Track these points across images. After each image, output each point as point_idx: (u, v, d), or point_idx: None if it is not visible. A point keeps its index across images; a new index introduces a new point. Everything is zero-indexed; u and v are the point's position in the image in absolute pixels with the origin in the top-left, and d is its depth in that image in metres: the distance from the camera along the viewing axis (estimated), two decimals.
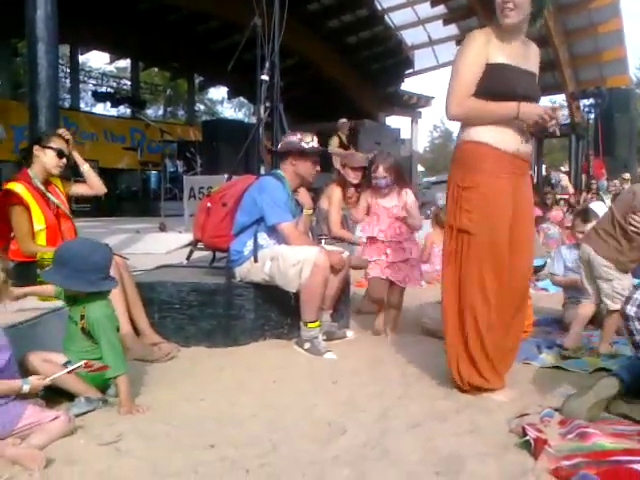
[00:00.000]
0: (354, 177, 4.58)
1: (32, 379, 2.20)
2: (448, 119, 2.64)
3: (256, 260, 3.43)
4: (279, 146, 3.79)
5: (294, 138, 3.64)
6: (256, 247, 3.46)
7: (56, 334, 2.68)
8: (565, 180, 13.99)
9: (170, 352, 3.20)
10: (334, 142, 10.14)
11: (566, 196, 12.42)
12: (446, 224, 2.70)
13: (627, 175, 12.32)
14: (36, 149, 3.37)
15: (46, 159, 3.37)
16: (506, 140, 2.54)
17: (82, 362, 2.37)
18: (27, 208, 3.25)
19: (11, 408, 2.12)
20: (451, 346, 2.64)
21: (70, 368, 2.35)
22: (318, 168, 3.68)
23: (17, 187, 3.27)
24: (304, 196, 3.70)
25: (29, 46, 4.35)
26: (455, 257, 2.62)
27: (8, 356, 2.21)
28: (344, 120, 10.65)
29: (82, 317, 2.49)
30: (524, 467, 1.93)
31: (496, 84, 2.52)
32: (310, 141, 3.59)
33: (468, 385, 2.60)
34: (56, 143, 3.43)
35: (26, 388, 2.17)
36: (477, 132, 2.56)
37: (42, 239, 3.29)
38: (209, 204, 3.78)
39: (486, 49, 2.54)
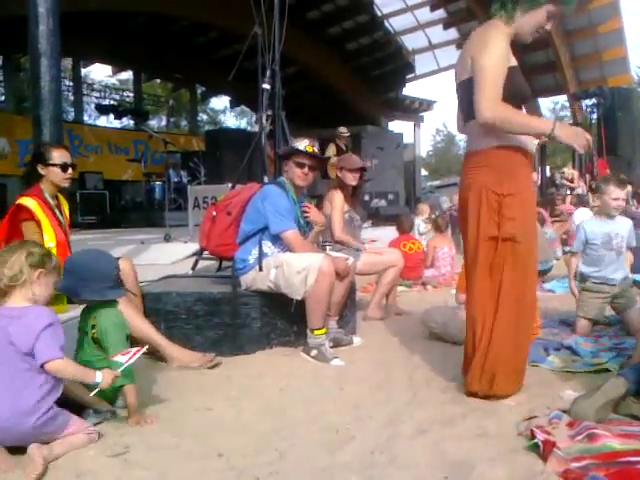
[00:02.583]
0: (352, 179, 4.56)
1: (105, 371, 2.23)
2: (480, 122, 2.46)
3: (261, 269, 3.44)
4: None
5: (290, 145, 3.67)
6: (261, 255, 3.47)
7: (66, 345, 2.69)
8: (569, 170, 13.95)
9: (212, 360, 3.19)
10: (331, 150, 10.14)
11: (570, 184, 12.44)
12: (482, 235, 2.56)
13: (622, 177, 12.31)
14: (40, 168, 3.35)
15: (52, 176, 3.36)
16: (532, 142, 2.56)
17: (146, 347, 2.44)
18: (38, 224, 3.25)
19: (59, 413, 2.14)
20: (486, 354, 2.55)
21: (138, 350, 2.39)
22: (305, 170, 3.55)
23: (29, 202, 3.25)
24: (315, 215, 3.68)
25: (32, 61, 4.38)
26: (497, 268, 2.54)
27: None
28: (344, 129, 10.65)
29: (93, 327, 2.51)
30: (533, 470, 1.92)
31: (517, 87, 2.52)
32: (297, 143, 3.59)
33: (489, 393, 2.56)
34: (58, 157, 3.38)
35: (99, 377, 2.20)
36: (508, 136, 2.49)
37: None
38: (214, 213, 3.79)
39: (508, 49, 2.50)
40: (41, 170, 3.36)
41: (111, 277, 2.59)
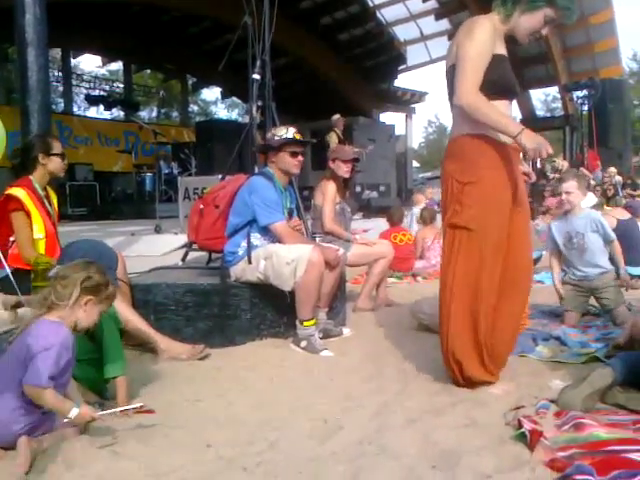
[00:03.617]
0: (346, 170, 4.56)
1: (82, 408, 2.09)
2: (457, 104, 2.47)
3: (250, 262, 3.43)
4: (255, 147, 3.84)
5: (269, 135, 3.66)
6: (249, 248, 3.46)
7: None
8: (559, 161, 13.99)
9: (202, 351, 3.19)
10: (333, 138, 10.13)
11: (558, 175, 12.47)
12: (445, 222, 2.63)
13: (612, 169, 12.36)
14: (42, 157, 3.37)
15: (53, 166, 3.40)
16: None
17: (139, 404, 2.29)
18: (27, 215, 3.24)
19: (46, 420, 2.10)
20: (447, 342, 2.60)
21: (124, 408, 2.28)
22: (299, 158, 3.60)
23: (19, 192, 3.24)
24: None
25: (19, 51, 4.35)
26: (453, 256, 2.57)
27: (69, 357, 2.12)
28: (338, 115, 10.61)
29: None
30: (520, 459, 1.93)
31: (499, 76, 2.51)
32: (284, 133, 3.59)
33: (464, 380, 2.59)
34: (58, 147, 3.45)
35: (74, 413, 2.05)
36: (475, 124, 2.48)
37: (41, 248, 3.26)
38: (202, 206, 3.78)
39: (493, 38, 2.50)
40: (42, 159, 3.37)
41: (116, 262, 2.65)
